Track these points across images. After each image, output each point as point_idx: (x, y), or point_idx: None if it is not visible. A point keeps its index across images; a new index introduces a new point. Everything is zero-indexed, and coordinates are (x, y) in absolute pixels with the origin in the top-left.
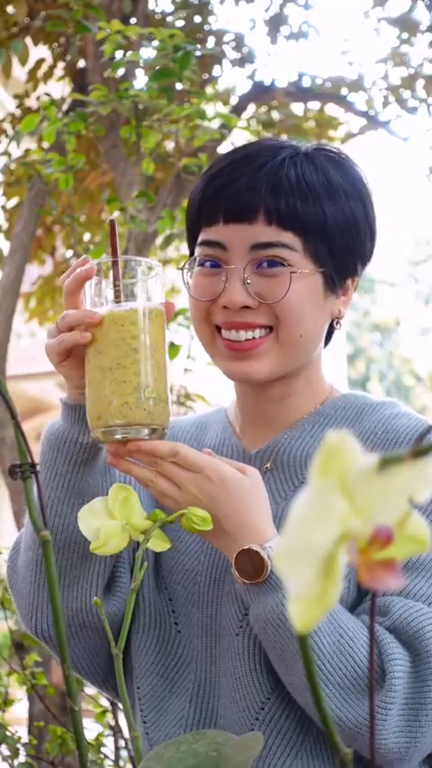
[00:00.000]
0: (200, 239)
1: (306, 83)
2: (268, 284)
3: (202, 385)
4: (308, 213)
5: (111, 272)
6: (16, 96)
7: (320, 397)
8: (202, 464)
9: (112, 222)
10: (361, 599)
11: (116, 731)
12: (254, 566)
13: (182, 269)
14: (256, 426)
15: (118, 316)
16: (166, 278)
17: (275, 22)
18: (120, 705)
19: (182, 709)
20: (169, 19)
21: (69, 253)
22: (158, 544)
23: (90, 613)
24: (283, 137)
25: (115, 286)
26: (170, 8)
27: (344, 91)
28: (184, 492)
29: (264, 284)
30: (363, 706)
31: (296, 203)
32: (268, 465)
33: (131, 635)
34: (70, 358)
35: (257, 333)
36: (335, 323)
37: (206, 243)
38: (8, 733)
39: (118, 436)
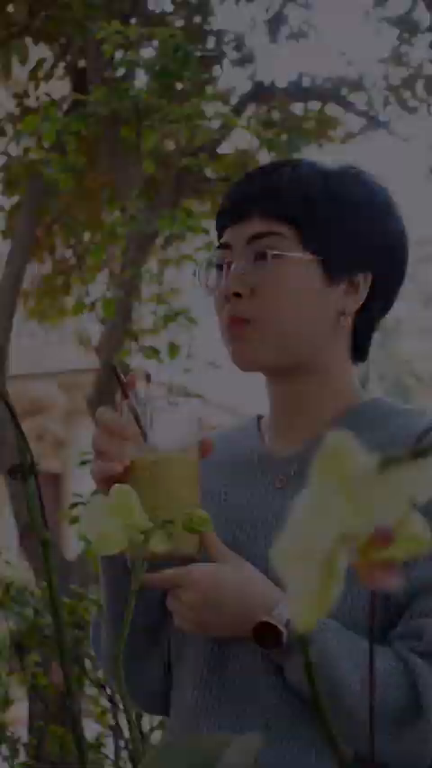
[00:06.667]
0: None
1: (306, 83)
2: (260, 273)
3: (202, 385)
4: (295, 199)
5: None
6: (16, 96)
7: (348, 402)
8: (172, 580)
9: (114, 368)
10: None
11: (116, 731)
12: (269, 639)
13: (195, 273)
14: (283, 431)
15: (137, 465)
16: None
17: (275, 22)
18: (120, 705)
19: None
20: (169, 19)
21: (69, 252)
22: (158, 545)
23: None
24: (283, 136)
25: (140, 427)
26: (170, 8)
27: (344, 91)
28: (181, 611)
29: (257, 274)
30: (407, 739)
31: (283, 193)
32: (292, 472)
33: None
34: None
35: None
36: (341, 319)
37: (218, 246)
38: (8, 733)
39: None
